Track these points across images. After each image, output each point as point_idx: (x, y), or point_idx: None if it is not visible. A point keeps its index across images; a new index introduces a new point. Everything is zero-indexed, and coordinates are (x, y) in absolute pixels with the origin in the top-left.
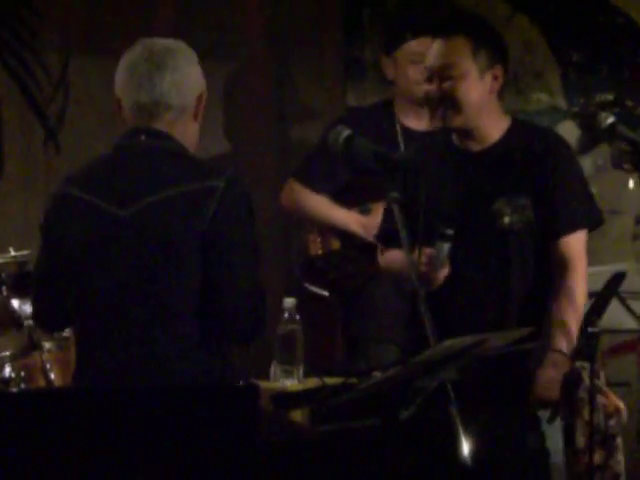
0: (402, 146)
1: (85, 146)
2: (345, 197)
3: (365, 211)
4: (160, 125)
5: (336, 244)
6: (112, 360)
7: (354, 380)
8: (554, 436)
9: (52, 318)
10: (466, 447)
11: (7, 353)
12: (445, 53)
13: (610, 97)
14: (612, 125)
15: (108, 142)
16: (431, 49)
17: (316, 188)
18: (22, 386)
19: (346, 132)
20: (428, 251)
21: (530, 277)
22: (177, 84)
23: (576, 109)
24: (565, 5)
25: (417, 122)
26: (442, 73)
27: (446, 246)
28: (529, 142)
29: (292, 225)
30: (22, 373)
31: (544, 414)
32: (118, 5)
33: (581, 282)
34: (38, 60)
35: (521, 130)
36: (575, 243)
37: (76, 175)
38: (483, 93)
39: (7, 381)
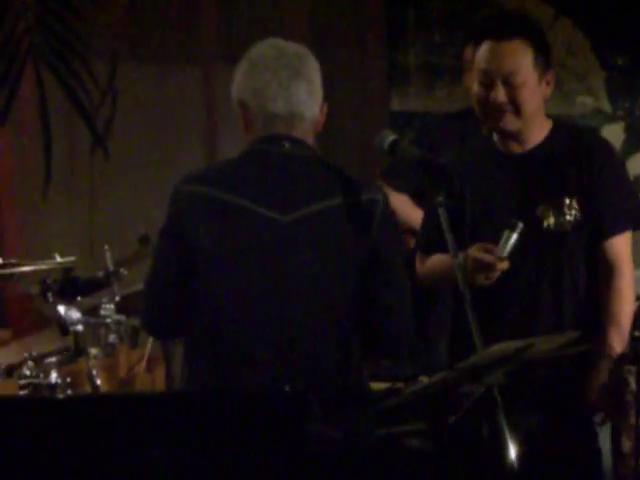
0: None
1: (132, 153)
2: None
3: None
4: (297, 134)
5: (412, 242)
6: (265, 372)
7: (400, 385)
8: (603, 439)
9: (169, 325)
10: (513, 451)
11: (53, 359)
12: (508, 58)
13: None
14: None
15: (155, 148)
16: (484, 52)
17: (399, 187)
18: (68, 392)
19: (391, 137)
20: (484, 246)
21: (581, 277)
22: (311, 95)
23: (621, 112)
24: (609, 8)
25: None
26: (506, 79)
27: (514, 236)
28: (572, 143)
29: None
30: (68, 379)
31: (595, 416)
32: (164, 13)
33: (628, 283)
34: (86, 68)
35: (563, 132)
36: (621, 244)
37: (210, 175)
38: (539, 99)
39: (53, 387)
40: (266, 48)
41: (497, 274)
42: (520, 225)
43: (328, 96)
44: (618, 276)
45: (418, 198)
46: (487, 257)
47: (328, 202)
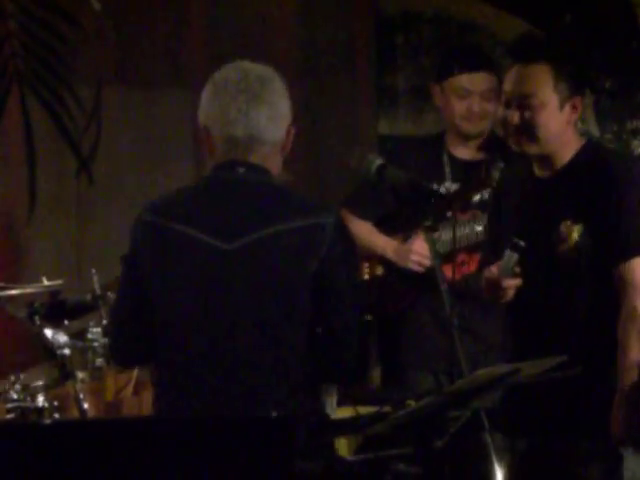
0: (449, 175)
1: (117, 177)
2: (392, 224)
3: (407, 238)
4: (255, 159)
5: (380, 270)
6: (207, 399)
7: (388, 409)
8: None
9: (133, 353)
10: (500, 475)
11: (40, 383)
12: (525, 81)
13: None
14: None
15: (140, 173)
16: (510, 74)
17: (361, 215)
18: (55, 416)
19: (378, 161)
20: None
21: (591, 301)
22: (272, 119)
23: (609, 136)
24: (597, 32)
25: (465, 151)
26: (521, 101)
27: (515, 256)
28: (592, 166)
29: None
30: (55, 403)
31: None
32: (150, 38)
33: (629, 317)
34: (71, 93)
35: (589, 154)
36: (630, 271)
37: (163, 204)
38: (562, 124)
39: (40, 410)
40: (229, 72)
41: (508, 292)
42: (521, 244)
43: (316, 119)
44: (626, 302)
45: (384, 225)
46: (504, 281)
47: (274, 228)
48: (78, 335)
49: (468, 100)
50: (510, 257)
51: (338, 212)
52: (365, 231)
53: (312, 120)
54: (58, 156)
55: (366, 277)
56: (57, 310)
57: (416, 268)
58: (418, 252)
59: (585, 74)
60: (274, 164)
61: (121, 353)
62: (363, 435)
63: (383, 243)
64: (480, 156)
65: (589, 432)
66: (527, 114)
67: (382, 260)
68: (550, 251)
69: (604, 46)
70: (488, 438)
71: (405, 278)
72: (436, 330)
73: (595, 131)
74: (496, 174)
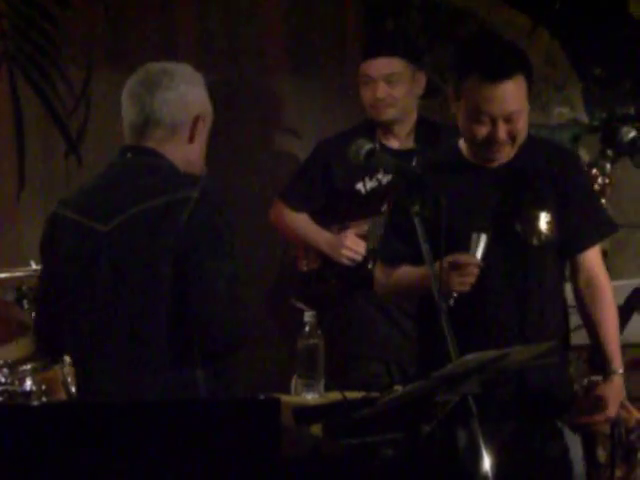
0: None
1: (106, 159)
2: (326, 216)
3: (343, 230)
4: (149, 143)
5: (318, 262)
6: (97, 381)
7: (375, 394)
8: (574, 447)
9: (50, 341)
10: (487, 461)
11: (28, 366)
12: (511, 100)
13: (632, 111)
14: (634, 139)
15: None
16: (491, 94)
17: (296, 207)
18: (43, 399)
19: (368, 146)
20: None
21: (553, 291)
22: (168, 102)
23: (597, 123)
24: (587, 19)
25: (394, 141)
26: (509, 118)
27: (482, 239)
28: (544, 158)
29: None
30: (43, 386)
31: (564, 425)
32: (140, 20)
33: (609, 291)
34: (60, 74)
35: (537, 146)
36: (595, 256)
37: (69, 196)
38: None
39: (28, 394)
40: (138, 70)
41: (472, 279)
42: (487, 227)
43: (307, 105)
44: (599, 288)
45: (320, 217)
46: (461, 257)
47: (139, 207)
48: None
49: (372, 87)
50: (478, 240)
51: (206, 187)
52: (300, 222)
53: (299, 107)
54: (47, 139)
55: (304, 269)
56: None
57: (347, 262)
58: (350, 247)
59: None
60: (176, 151)
61: (42, 341)
62: (351, 420)
63: (317, 235)
64: (410, 145)
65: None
66: (510, 127)
67: (318, 253)
68: (512, 241)
69: (593, 33)
70: (476, 424)
71: (341, 269)
72: (382, 319)
73: (584, 118)
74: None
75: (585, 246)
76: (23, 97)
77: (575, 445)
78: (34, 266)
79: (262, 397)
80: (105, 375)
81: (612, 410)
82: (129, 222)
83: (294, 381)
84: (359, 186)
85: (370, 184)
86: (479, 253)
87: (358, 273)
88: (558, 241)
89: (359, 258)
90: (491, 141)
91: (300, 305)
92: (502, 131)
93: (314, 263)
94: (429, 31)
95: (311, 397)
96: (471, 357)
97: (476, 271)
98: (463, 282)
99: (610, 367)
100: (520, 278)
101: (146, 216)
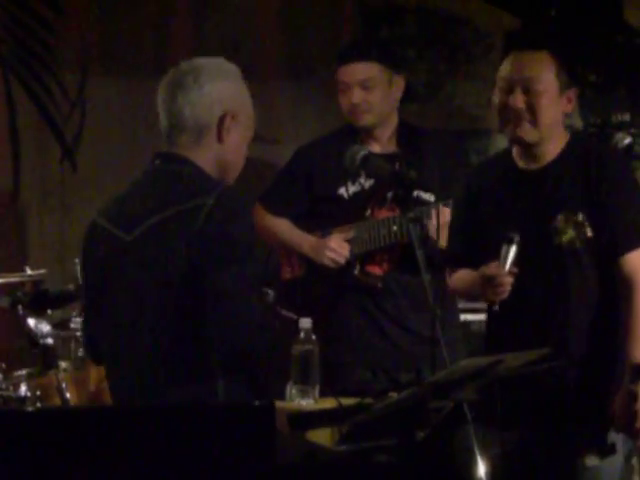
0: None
1: (101, 165)
2: (309, 222)
3: (326, 235)
4: (178, 149)
5: (302, 269)
6: (119, 390)
7: (370, 400)
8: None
9: (95, 349)
10: (482, 468)
11: (23, 372)
12: (530, 65)
13: (627, 117)
14: (629, 146)
15: (124, 161)
16: (510, 60)
17: (277, 212)
18: (38, 405)
19: (363, 152)
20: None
21: (591, 294)
22: (190, 104)
23: (592, 129)
24: (582, 25)
25: (376, 145)
26: (526, 85)
27: (512, 250)
28: (585, 158)
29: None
30: (38, 392)
31: (616, 437)
32: (134, 25)
33: None
34: (55, 79)
35: (578, 146)
36: (636, 260)
37: (107, 202)
38: (558, 112)
39: (23, 400)
40: (170, 71)
41: (506, 288)
42: (517, 238)
43: (303, 110)
44: (634, 292)
45: (303, 223)
46: (489, 270)
47: (159, 216)
48: (61, 325)
49: (348, 93)
50: (507, 251)
51: (222, 193)
52: (282, 227)
53: (295, 113)
54: (42, 145)
55: (287, 276)
56: (40, 300)
57: (331, 265)
58: (333, 249)
59: (574, 68)
60: (205, 154)
61: (86, 347)
62: (345, 426)
63: (299, 239)
64: (392, 149)
65: (585, 421)
66: (530, 98)
67: (304, 259)
68: (547, 244)
69: (589, 39)
70: (471, 430)
71: (326, 275)
72: (368, 326)
73: (579, 124)
74: (410, 169)
75: (626, 250)
76: (18, 102)
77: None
78: (29, 272)
79: (256, 403)
80: (128, 387)
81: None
82: (147, 232)
83: (289, 387)
84: (341, 191)
85: (353, 189)
86: (507, 264)
87: (343, 280)
88: (597, 244)
89: (342, 261)
90: (510, 110)
91: (286, 313)
92: (519, 98)
93: (298, 270)
94: (423, 36)
95: (306, 403)
96: (465, 363)
97: (508, 280)
98: (496, 292)
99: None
100: (555, 280)
101: (161, 226)
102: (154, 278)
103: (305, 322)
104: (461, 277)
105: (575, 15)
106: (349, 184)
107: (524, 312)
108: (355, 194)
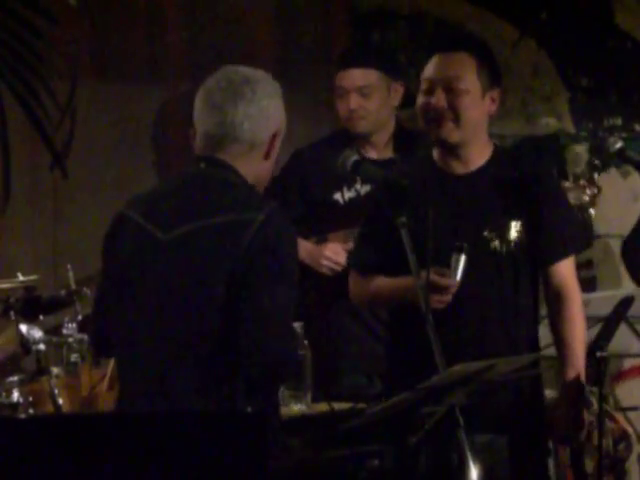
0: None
1: (92, 171)
2: (305, 227)
3: (322, 241)
4: (224, 156)
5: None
6: (137, 392)
7: (363, 405)
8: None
9: (105, 342)
10: (474, 472)
11: (15, 378)
12: (451, 66)
13: (619, 122)
14: (621, 150)
15: (115, 167)
16: (433, 61)
17: None
18: (30, 411)
19: (354, 157)
20: (439, 270)
21: (527, 299)
22: (250, 118)
23: (584, 134)
24: (574, 29)
25: (372, 151)
26: (447, 85)
27: (462, 258)
28: (515, 169)
29: None
30: (30, 398)
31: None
32: (125, 31)
33: (578, 308)
34: (45, 86)
35: (506, 156)
36: (566, 269)
37: (137, 197)
38: (482, 113)
39: (15, 406)
40: (217, 73)
41: (449, 298)
42: (466, 246)
43: (294, 114)
44: (566, 302)
45: (298, 228)
46: (444, 280)
47: (205, 221)
48: (53, 331)
49: (346, 99)
50: (458, 260)
51: (273, 211)
52: None
53: (286, 113)
54: (33, 151)
55: None
56: (32, 305)
57: (328, 272)
58: (329, 257)
59: (497, 69)
60: (250, 167)
61: (95, 341)
62: (338, 431)
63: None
64: (388, 154)
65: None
66: (452, 98)
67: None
68: (483, 250)
69: (580, 44)
70: (463, 435)
71: (319, 283)
72: (360, 331)
73: (571, 129)
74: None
75: (556, 258)
76: (8, 110)
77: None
78: (21, 278)
79: (249, 411)
80: (141, 390)
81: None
82: (190, 235)
83: (281, 392)
84: (337, 196)
85: (348, 194)
86: (459, 275)
87: (337, 285)
88: (529, 251)
89: (339, 268)
90: (432, 110)
91: None
92: (440, 98)
93: None
94: (415, 41)
95: (298, 408)
96: (457, 368)
97: (454, 290)
98: (441, 301)
99: (565, 378)
100: (494, 286)
101: (208, 232)
102: (191, 282)
103: (297, 326)
104: (380, 284)
105: (566, 19)
106: (345, 189)
107: (460, 318)
108: (351, 200)
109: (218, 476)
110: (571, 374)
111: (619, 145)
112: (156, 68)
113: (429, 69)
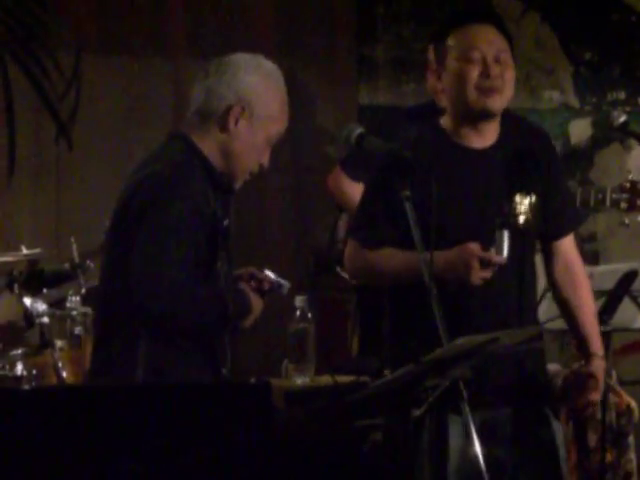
0: None
1: (96, 143)
2: None
3: None
4: (183, 128)
5: None
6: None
7: (366, 378)
8: (559, 433)
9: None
10: (477, 445)
11: (19, 351)
12: (498, 38)
13: (622, 95)
14: (624, 123)
15: (119, 139)
16: (480, 33)
17: (354, 176)
18: (34, 384)
19: (358, 130)
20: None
21: (532, 275)
22: (206, 89)
23: (588, 107)
24: (577, 3)
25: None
26: (497, 56)
27: (506, 234)
28: (526, 141)
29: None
30: (34, 371)
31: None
32: (131, 4)
33: (585, 276)
34: (51, 57)
35: (514, 127)
36: (571, 240)
37: None
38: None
39: (19, 379)
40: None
41: (490, 273)
42: (504, 219)
43: (298, 92)
44: (575, 273)
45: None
46: (496, 257)
47: (127, 186)
48: (57, 304)
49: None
50: (501, 235)
51: (176, 163)
52: (357, 191)
53: (290, 91)
54: (38, 123)
55: None
56: (36, 279)
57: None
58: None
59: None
60: (207, 140)
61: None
62: (341, 404)
63: None
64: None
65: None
66: (502, 70)
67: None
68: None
69: (584, 17)
70: (466, 408)
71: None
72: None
73: (575, 102)
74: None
75: (566, 232)
76: (14, 81)
77: (559, 431)
78: (24, 251)
79: (253, 381)
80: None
81: (596, 393)
82: (119, 203)
83: (285, 365)
84: None
85: None
86: (505, 250)
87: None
88: (538, 226)
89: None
90: (490, 80)
91: (344, 274)
92: (496, 68)
93: None
94: (419, 15)
95: (302, 381)
96: (461, 341)
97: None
98: (484, 277)
99: (590, 350)
100: (513, 262)
101: (124, 195)
102: (110, 245)
103: (300, 300)
104: (388, 256)
105: None
106: None
107: (478, 293)
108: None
109: (222, 447)
110: (598, 344)
111: (623, 119)
112: (161, 39)
113: (475, 38)
